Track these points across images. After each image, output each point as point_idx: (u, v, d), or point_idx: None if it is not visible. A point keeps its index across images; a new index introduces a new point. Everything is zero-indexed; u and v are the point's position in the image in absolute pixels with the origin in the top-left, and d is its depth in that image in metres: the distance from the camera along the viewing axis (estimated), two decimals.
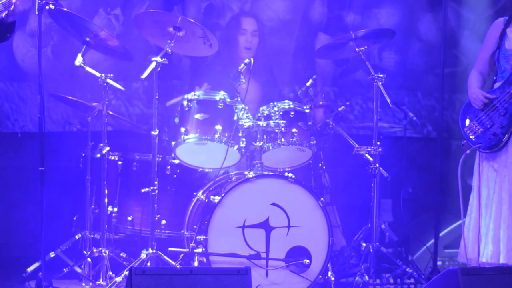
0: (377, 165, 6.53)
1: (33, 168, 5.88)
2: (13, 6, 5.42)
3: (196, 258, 6.16)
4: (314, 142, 6.56)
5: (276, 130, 6.42)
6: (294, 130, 6.48)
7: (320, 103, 6.91)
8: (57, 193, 7.05)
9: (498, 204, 5.95)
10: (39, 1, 5.54)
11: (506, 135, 5.92)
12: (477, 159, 6.10)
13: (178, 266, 6.16)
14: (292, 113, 6.51)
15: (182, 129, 6.42)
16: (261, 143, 6.41)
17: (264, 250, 6.20)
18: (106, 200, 6.42)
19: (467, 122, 6.07)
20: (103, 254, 6.35)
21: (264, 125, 6.41)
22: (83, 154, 6.75)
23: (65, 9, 6.39)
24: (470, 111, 6.09)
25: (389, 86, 6.61)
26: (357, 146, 6.67)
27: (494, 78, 6.11)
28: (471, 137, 6.04)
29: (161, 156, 6.60)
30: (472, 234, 6.03)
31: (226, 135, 6.39)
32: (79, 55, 6.37)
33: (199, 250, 6.14)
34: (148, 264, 6.18)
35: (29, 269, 6.54)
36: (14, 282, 6.58)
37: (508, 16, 6.13)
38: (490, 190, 6.00)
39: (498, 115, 5.96)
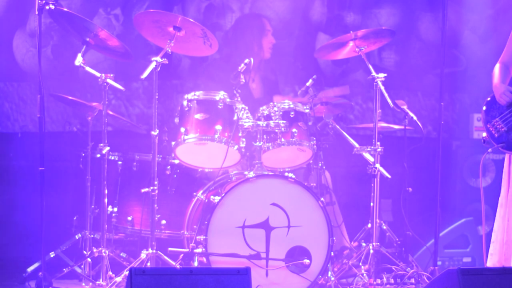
0: (377, 165, 6.53)
1: (33, 168, 5.88)
2: None
3: (196, 258, 6.16)
4: (314, 142, 6.56)
5: (276, 130, 6.43)
6: (294, 130, 6.48)
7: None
8: (57, 193, 7.05)
9: None
10: (39, 1, 5.54)
11: None
12: (506, 161, 5.91)
13: (178, 266, 6.16)
14: (292, 113, 6.52)
15: (182, 129, 6.43)
16: (261, 143, 6.41)
17: (264, 250, 6.20)
18: (106, 200, 6.42)
19: (490, 118, 5.77)
20: (103, 254, 6.34)
21: (264, 125, 6.41)
22: (83, 154, 6.75)
23: (65, 9, 6.39)
24: (494, 107, 5.76)
25: (389, 86, 6.61)
26: (357, 146, 6.67)
27: None
28: (494, 134, 5.75)
29: (161, 156, 6.60)
30: (502, 236, 5.84)
31: (226, 135, 6.39)
32: (79, 55, 6.36)
33: (199, 250, 6.14)
34: (148, 264, 6.18)
35: (29, 269, 6.55)
36: (14, 282, 6.58)
37: None
38: None
39: None
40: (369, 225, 6.63)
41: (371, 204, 6.56)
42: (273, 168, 6.59)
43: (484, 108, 5.83)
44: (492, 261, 5.86)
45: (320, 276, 6.27)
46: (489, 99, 5.84)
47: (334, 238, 6.30)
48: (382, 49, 7.95)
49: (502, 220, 5.82)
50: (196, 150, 6.47)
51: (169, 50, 6.36)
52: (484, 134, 5.81)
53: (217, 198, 6.19)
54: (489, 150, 5.78)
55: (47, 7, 5.56)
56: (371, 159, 6.61)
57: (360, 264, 6.52)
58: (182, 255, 6.30)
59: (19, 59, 7.66)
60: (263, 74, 7.36)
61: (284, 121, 6.43)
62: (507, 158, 5.83)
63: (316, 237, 6.27)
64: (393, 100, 6.55)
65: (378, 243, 6.54)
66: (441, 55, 6.74)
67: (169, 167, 6.67)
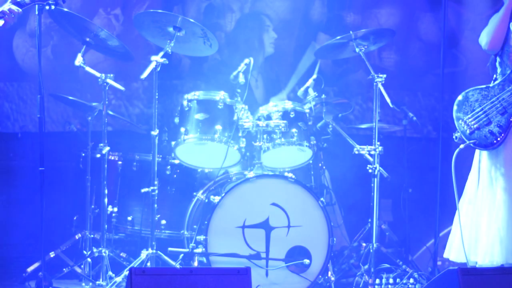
0: (377, 165, 6.53)
1: (33, 168, 5.88)
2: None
3: (196, 258, 6.16)
4: (314, 142, 6.56)
5: (276, 130, 6.43)
6: (294, 130, 6.48)
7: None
8: (57, 193, 7.05)
9: (503, 203, 5.84)
10: (39, 1, 5.54)
11: (503, 135, 5.83)
12: (476, 156, 6.01)
13: (178, 266, 6.16)
14: (292, 113, 6.52)
15: (182, 129, 6.43)
16: (261, 143, 6.41)
17: (264, 250, 6.20)
18: (106, 200, 6.42)
19: (462, 115, 5.92)
20: (103, 254, 6.35)
21: (264, 125, 6.41)
22: (83, 154, 6.75)
23: (65, 9, 6.39)
24: (466, 104, 5.93)
25: (389, 86, 6.61)
26: (357, 146, 6.67)
27: (494, 76, 6.00)
28: (466, 131, 5.90)
29: (161, 156, 6.60)
30: (468, 233, 5.95)
31: (226, 135, 6.39)
32: (79, 55, 6.37)
33: (199, 250, 6.14)
34: (148, 264, 6.18)
35: (29, 269, 6.54)
36: (14, 282, 6.58)
37: None
38: (495, 189, 5.89)
39: (496, 113, 5.86)
40: (369, 225, 6.64)
41: (371, 204, 6.56)
42: (273, 168, 6.59)
43: (456, 106, 5.96)
44: (454, 255, 5.93)
45: (320, 276, 6.27)
46: (460, 97, 5.98)
47: (334, 238, 6.30)
48: (382, 49, 7.94)
49: (471, 216, 5.90)
50: (196, 150, 6.47)
51: (169, 50, 6.36)
52: (458, 134, 5.89)
53: (217, 198, 6.19)
54: (461, 146, 5.87)
55: (47, 7, 5.56)
56: (371, 159, 6.61)
57: (360, 264, 6.52)
58: (182, 255, 6.30)
59: (19, 59, 7.65)
60: (265, 74, 7.37)
61: (284, 121, 6.43)
62: (477, 155, 5.94)
63: (316, 237, 6.27)
64: (393, 100, 6.55)
65: (378, 243, 6.54)
66: (441, 55, 6.75)
67: (169, 167, 6.67)
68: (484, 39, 5.97)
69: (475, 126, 5.86)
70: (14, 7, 5.39)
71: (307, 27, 8.10)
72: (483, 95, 5.90)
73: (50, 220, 6.02)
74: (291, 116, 6.51)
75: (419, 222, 7.22)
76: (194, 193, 6.54)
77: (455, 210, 7.57)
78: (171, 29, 6.37)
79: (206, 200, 6.37)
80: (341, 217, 7.04)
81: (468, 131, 5.89)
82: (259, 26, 7.32)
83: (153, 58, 6.23)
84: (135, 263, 6.23)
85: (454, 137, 5.95)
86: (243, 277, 4.80)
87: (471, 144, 5.86)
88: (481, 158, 5.96)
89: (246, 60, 6.62)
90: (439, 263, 6.89)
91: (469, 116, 5.90)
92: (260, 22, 7.35)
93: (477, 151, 5.98)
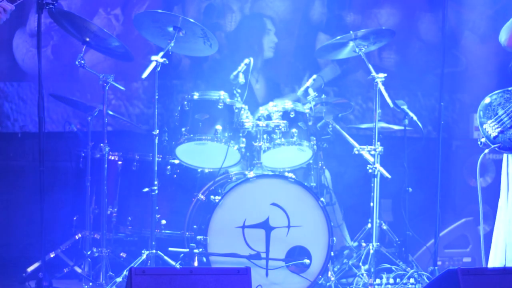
0: (377, 165, 6.53)
1: (33, 168, 5.88)
2: None
3: (196, 258, 6.16)
4: (314, 142, 6.56)
5: (276, 130, 6.43)
6: (294, 130, 6.48)
7: None
8: (57, 193, 7.05)
9: None
10: (39, 1, 5.54)
11: None
12: (504, 161, 5.95)
13: (178, 266, 6.16)
14: (292, 113, 6.52)
15: (182, 129, 6.43)
16: (261, 143, 6.41)
17: (264, 250, 6.20)
18: (106, 200, 6.42)
19: (486, 120, 5.81)
20: (103, 254, 6.35)
21: (264, 125, 6.41)
22: (83, 154, 6.75)
23: (65, 9, 6.39)
24: (490, 109, 5.81)
25: (389, 86, 6.61)
26: (357, 146, 6.67)
27: None
28: (490, 136, 5.79)
29: (161, 156, 6.60)
30: (502, 240, 5.85)
31: (226, 135, 6.39)
32: (80, 55, 6.36)
33: (199, 250, 6.14)
34: (149, 264, 6.18)
35: (29, 269, 6.54)
36: (14, 282, 6.58)
37: None
38: None
39: None
40: (369, 225, 6.64)
41: (371, 204, 6.56)
42: (273, 168, 6.59)
43: (480, 110, 5.87)
44: (494, 265, 5.84)
45: (320, 276, 6.27)
46: (484, 101, 5.88)
47: (334, 238, 6.30)
48: (382, 49, 7.94)
49: (503, 223, 5.83)
50: (196, 150, 6.47)
51: (170, 50, 6.36)
52: (483, 140, 5.83)
53: (217, 198, 6.19)
54: (486, 151, 5.80)
55: (47, 7, 5.56)
56: (371, 159, 6.61)
57: (360, 264, 6.52)
58: (182, 255, 6.30)
59: (19, 59, 7.65)
60: (267, 75, 7.37)
61: (284, 121, 6.44)
62: (505, 160, 5.86)
63: (316, 237, 6.27)
64: (393, 100, 6.56)
65: (378, 243, 6.54)
66: (441, 55, 6.75)
67: (169, 167, 6.66)
68: (503, 35, 5.83)
69: (498, 129, 5.74)
70: (6, 4, 5.38)
71: (307, 27, 8.11)
72: (506, 98, 5.79)
73: (50, 220, 6.02)
74: (291, 116, 6.51)
75: (419, 222, 7.22)
76: (194, 193, 6.54)
77: (455, 210, 7.57)
78: (171, 29, 6.37)
79: (206, 200, 6.37)
80: (342, 217, 7.03)
81: (492, 135, 5.78)
82: (260, 28, 7.30)
83: (153, 58, 6.23)
84: (135, 263, 6.22)
85: (479, 142, 5.83)
86: (243, 277, 4.80)
87: (496, 148, 5.77)
88: (509, 163, 5.85)
89: (246, 60, 6.62)
90: (439, 263, 6.89)
91: (492, 120, 5.78)
92: (261, 24, 7.32)
93: (504, 156, 5.86)
